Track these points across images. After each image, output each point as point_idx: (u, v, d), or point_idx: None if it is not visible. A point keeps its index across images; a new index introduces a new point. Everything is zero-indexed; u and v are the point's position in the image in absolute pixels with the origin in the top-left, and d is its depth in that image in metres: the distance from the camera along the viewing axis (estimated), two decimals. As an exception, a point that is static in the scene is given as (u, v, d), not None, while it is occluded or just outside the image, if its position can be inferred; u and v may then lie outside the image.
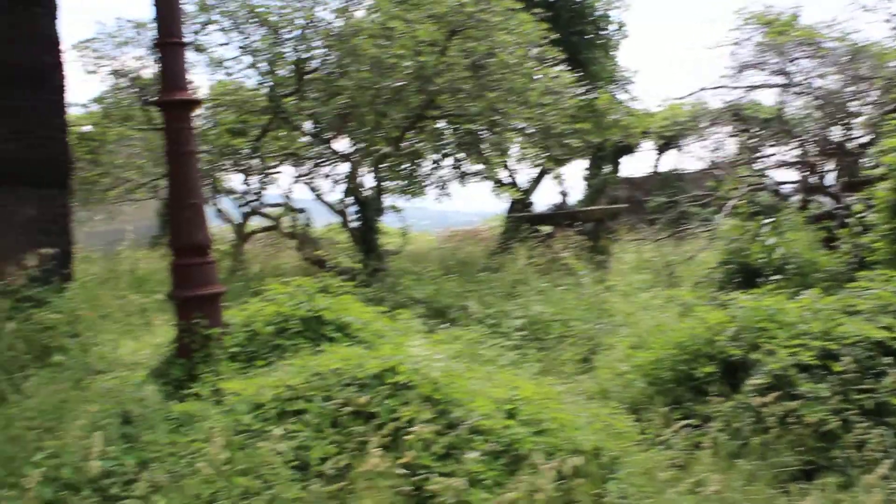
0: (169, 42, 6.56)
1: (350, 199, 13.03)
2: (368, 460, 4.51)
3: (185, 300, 6.49)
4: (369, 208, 12.62)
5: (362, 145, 13.05)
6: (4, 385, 5.89)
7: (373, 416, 5.08)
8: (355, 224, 12.96)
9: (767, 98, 23.88)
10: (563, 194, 19.26)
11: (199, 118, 14.50)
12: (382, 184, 13.48)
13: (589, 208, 17.84)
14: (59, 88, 8.20)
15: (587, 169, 22.17)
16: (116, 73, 14.08)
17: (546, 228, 15.68)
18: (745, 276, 10.07)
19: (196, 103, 6.75)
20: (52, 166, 8.01)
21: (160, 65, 6.68)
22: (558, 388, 6.35)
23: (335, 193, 14.58)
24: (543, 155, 14.92)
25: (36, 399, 5.55)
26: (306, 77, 12.70)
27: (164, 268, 13.36)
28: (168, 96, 6.53)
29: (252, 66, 12.97)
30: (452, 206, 20.14)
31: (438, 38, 11.69)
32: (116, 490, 4.67)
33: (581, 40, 18.57)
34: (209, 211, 16.48)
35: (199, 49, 13.21)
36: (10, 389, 5.82)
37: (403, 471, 4.60)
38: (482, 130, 14.42)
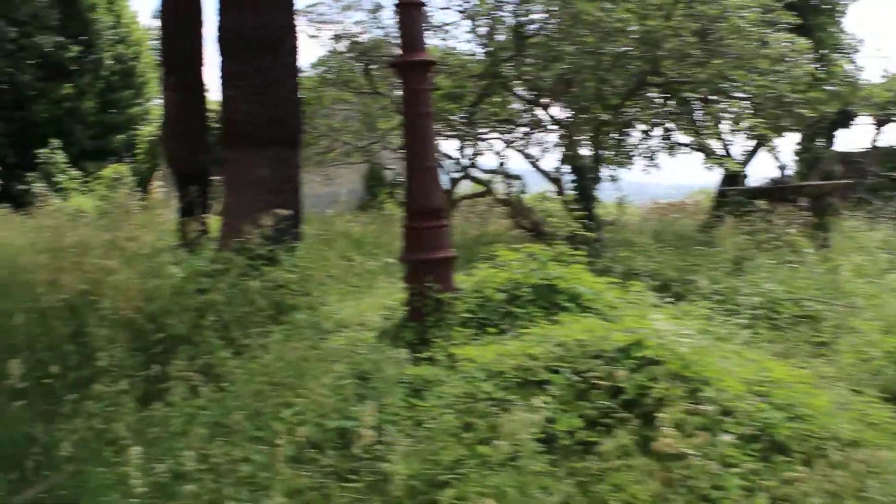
0: (408, 3, 6.50)
1: (566, 167, 12.80)
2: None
3: (417, 263, 6.44)
4: (586, 177, 12.35)
5: (581, 112, 12.75)
6: (245, 340, 6.00)
7: (620, 391, 4.87)
8: (571, 192, 12.72)
9: None
10: (782, 168, 18.37)
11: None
12: (600, 152, 13.10)
13: (814, 183, 16.94)
14: (292, 51, 8.31)
15: (799, 143, 21.13)
16: (337, 38, 14.28)
17: (762, 203, 14.98)
18: None
19: (433, 64, 6.67)
20: (284, 127, 8.12)
21: (399, 26, 6.63)
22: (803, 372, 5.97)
23: (550, 161, 14.36)
24: (765, 125, 14.17)
25: (274, 356, 5.62)
26: (526, 42, 12.47)
27: (375, 230, 13.60)
28: (406, 57, 6.48)
29: (471, 30, 12.89)
30: (650, 178, 19.55)
31: (666, 1, 11.23)
32: (359, 451, 4.65)
33: (807, 5, 17.62)
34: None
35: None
36: (251, 345, 5.93)
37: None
38: (698, 99, 13.86)
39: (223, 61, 8.28)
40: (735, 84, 12.04)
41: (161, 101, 12.25)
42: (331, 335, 6.51)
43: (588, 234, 10.80)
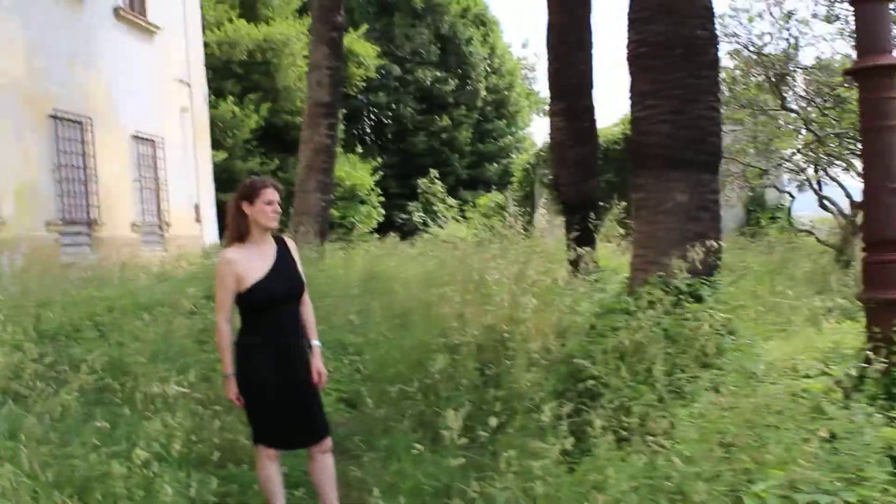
0: (872, -1, 5.54)
1: None
2: None
3: (882, 303, 5.43)
4: None
5: None
6: (675, 387, 5.33)
7: None
8: None
9: None
10: None
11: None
12: None
13: None
14: (713, 64, 7.53)
15: None
16: (736, 53, 13.34)
17: None
18: None
19: (900, 68, 5.63)
20: (703, 148, 7.36)
21: (857, 25, 5.67)
22: None
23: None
24: None
25: (717, 408, 4.88)
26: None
27: (776, 259, 12.44)
28: (867, 61, 5.49)
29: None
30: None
31: None
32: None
33: None
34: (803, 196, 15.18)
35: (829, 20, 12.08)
36: (684, 392, 5.24)
37: None
38: None
39: (633, 79, 7.67)
40: None
41: (547, 128, 11.91)
42: (765, 383, 5.64)
43: None
